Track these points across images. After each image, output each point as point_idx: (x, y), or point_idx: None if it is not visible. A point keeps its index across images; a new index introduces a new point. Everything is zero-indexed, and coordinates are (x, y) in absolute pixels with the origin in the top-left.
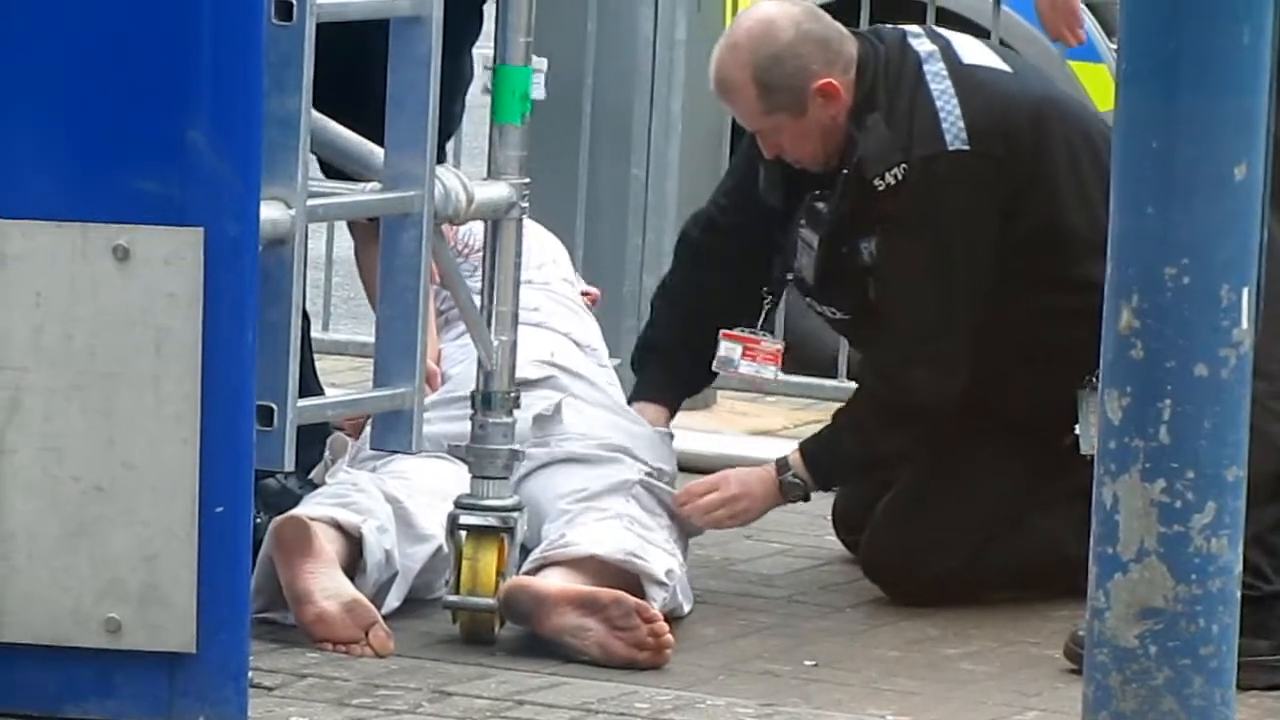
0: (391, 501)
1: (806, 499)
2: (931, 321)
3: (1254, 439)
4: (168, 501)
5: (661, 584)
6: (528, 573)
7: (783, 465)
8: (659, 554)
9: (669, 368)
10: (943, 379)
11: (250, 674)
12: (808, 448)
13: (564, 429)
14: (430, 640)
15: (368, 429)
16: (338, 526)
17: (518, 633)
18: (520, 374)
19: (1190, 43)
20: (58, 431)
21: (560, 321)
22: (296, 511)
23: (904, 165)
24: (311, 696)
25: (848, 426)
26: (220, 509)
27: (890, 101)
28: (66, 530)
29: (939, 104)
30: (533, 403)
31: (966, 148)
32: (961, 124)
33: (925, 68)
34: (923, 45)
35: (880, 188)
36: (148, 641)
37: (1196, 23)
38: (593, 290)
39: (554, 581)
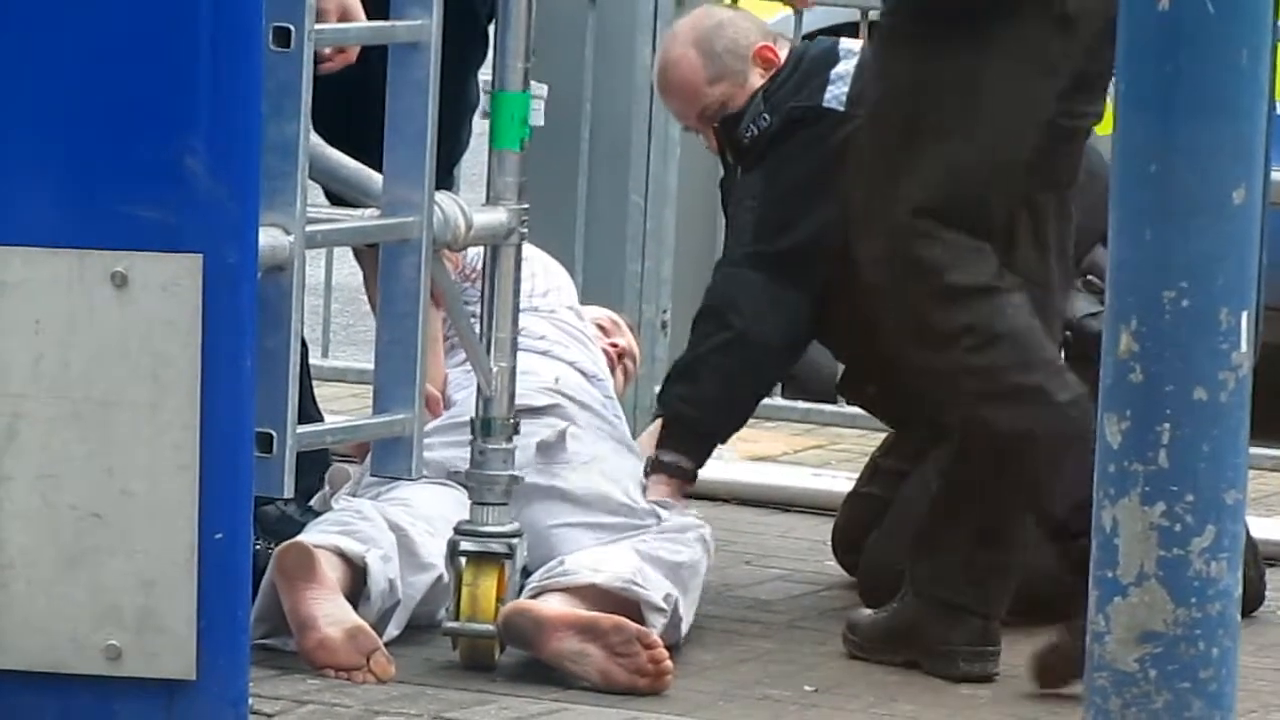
0: (395, 529)
1: (689, 427)
2: (741, 241)
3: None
4: (167, 528)
5: (660, 610)
6: (528, 598)
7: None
8: (658, 579)
9: None
10: (731, 292)
11: (250, 701)
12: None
13: (567, 457)
14: (431, 667)
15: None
16: (341, 554)
17: (518, 659)
18: (527, 401)
19: (1188, 66)
20: (56, 459)
21: (566, 350)
22: (301, 538)
23: (766, 116)
24: None
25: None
26: (219, 536)
27: (789, 77)
28: (65, 557)
29: (837, 71)
30: (537, 430)
31: (841, 109)
32: (846, 91)
33: (840, 46)
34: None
35: (745, 141)
36: (147, 668)
37: (1194, 46)
38: (620, 343)
39: (554, 605)
